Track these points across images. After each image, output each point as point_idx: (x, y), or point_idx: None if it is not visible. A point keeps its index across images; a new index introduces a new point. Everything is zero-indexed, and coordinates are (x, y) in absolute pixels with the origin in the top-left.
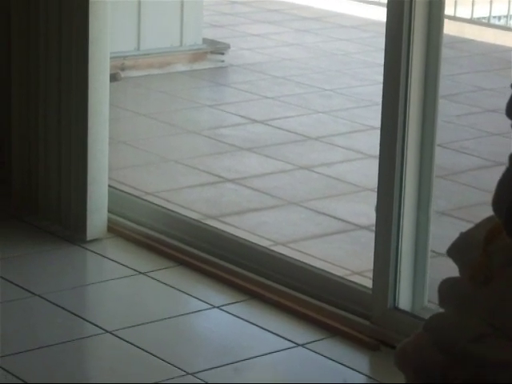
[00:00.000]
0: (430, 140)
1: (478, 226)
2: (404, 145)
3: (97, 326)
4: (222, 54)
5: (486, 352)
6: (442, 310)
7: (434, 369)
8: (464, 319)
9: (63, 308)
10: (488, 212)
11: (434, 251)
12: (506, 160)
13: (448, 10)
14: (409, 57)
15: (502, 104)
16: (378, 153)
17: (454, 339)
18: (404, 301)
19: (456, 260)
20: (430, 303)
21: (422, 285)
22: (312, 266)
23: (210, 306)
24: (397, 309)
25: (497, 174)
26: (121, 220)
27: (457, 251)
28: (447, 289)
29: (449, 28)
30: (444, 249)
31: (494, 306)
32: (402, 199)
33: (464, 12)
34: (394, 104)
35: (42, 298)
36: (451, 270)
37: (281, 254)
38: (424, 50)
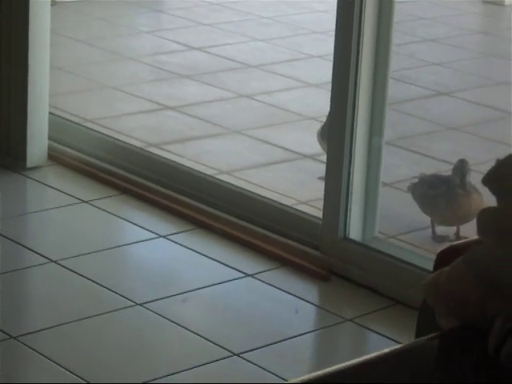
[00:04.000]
0: (384, 69)
1: None
2: (357, 72)
3: (41, 255)
4: None
5: None
6: (476, 238)
7: (472, 303)
8: (508, 251)
9: (6, 237)
10: (432, 141)
11: None
12: (446, 90)
13: None
14: None
15: (441, 33)
16: (317, 81)
17: (499, 273)
18: (354, 231)
19: (493, 189)
20: (381, 233)
21: (373, 215)
22: (260, 196)
23: (155, 236)
24: (347, 239)
25: (439, 103)
26: (62, 147)
27: (494, 179)
28: (488, 219)
29: None
30: (390, 179)
31: None
32: (354, 128)
33: None
34: (348, 32)
35: None
36: (397, 200)
37: (228, 182)
38: None
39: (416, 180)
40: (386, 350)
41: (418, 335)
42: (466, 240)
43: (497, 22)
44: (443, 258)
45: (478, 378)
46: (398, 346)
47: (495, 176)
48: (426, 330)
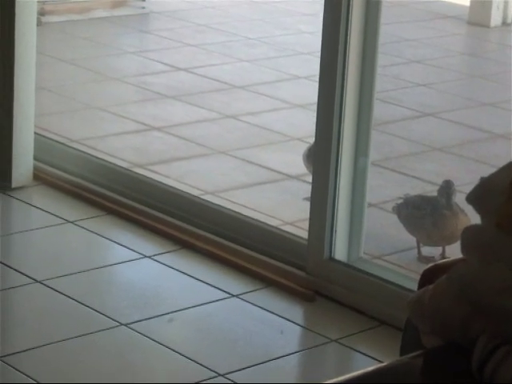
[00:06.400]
0: (369, 90)
1: (499, 171)
2: (343, 94)
3: (26, 275)
4: (143, 0)
5: None
6: (462, 257)
7: (455, 321)
8: (491, 269)
9: None
10: (417, 162)
11: None
12: (431, 110)
13: None
14: (349, 8)
15: (425, 55)
16: (303, 102)
17: (481, 290)
18: (340, 251)
19: (477, 207)
20: (366, 254)
21: (358, 235)
22: (246, 216)
23: (140, 256)
24: (332, 259)
25: (424, 124)
26: (47, 167)
27: (478, 197)
28: (471, 236)
29: None
30: (375, 199)
31: None
32: (340, 149)
33: None
34: (333, 54)
35: None
36: (383, 220)
37: (213, 203)
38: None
39: (401, 201)
40: (370, 369)
41: (402, 353)
42: (450, 259)
43: (482, 43)
44: (427, 277)
45: None
46: (381, 365)
47: (479, 194)
48: (411, 348)
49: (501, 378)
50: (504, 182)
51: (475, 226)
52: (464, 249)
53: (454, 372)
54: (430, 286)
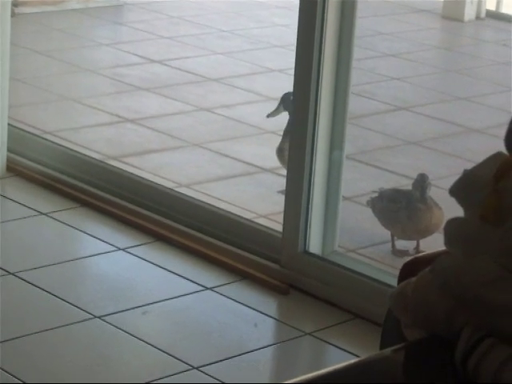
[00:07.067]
0: (345, 83)
1: (483, 164)
2: (318, 87)
3: None
4: None
5: (499, 297)
6: (445, 249)
7: (439, 313)
8: (475, 261)
9: None
10: (391, 156)
11: None
12: (406, 104)
13: None
14: (324, 1)
15: (400, 49)
16: (278, 95)
17: (465, 283)
18: (314, 245)
19: (460, 199)
20: (340, 247)
21: (333, 229)
22: (220, 209)
23: (114, 248)
24: (307, 252)
25: (399, 117)
26: (21, 159)
27: (461, 190)
28: (455, 229)
29: None
30: (349, 193)
31: (508, 247)
32: (315, 142)
33: None
34: (309, 47)
35: None
36: (357, 214)
37: (187, 195)
38: None
39: (376, 195)
40: (353, 361)
41: (382, 346)
42: (431, 252)
43: (456, 37)
44: (408, 270)
45: None
46: (363, 358)
47: (462, 187)
48: (391, 341)
49: (484, 370)
50: (487, 175)
51: (459, 219)
52: (448, 241)
53: (437, 364)
54: (413, 279)
